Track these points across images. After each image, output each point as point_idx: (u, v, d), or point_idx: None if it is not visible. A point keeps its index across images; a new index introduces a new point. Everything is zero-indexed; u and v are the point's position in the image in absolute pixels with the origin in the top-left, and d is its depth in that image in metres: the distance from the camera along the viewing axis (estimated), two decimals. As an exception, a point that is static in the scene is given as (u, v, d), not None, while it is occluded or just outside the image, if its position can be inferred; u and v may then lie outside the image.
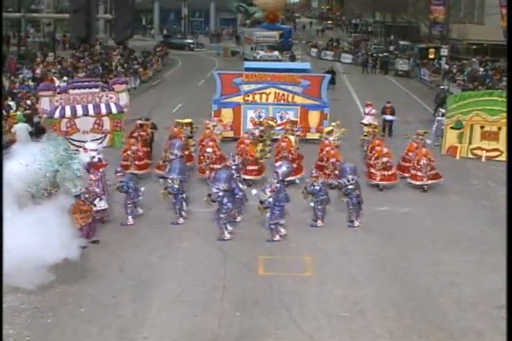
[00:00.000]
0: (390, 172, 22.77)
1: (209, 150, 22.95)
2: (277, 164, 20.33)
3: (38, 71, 40.38)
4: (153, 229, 18.62)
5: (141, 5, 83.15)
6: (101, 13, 70.62)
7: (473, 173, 25.44)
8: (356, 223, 19.33)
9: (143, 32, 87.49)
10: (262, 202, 18.01)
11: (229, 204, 18.10)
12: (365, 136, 26.81)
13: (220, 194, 17.91)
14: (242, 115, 28.94)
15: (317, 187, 19.01)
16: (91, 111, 27.32)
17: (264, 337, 13.11)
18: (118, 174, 19.29)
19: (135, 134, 24.43)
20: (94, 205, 17.55)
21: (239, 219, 19.32)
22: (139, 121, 25.07)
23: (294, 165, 21.38)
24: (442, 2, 64.48)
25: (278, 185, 18.21)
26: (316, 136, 27.98)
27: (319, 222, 19.21)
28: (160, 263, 16.35)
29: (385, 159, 22.56)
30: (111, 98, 28.02)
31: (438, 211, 20.85)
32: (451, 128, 27.77)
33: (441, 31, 64.55)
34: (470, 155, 27.38)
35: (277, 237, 18.03)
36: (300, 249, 17.51)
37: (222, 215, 17.97)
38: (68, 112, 27.01)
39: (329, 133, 24.66)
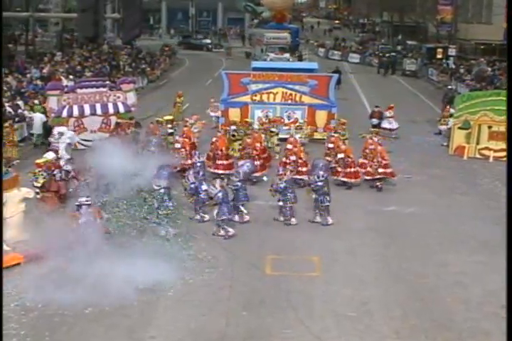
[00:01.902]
0: (352, 170, 22.67)
1: (177, 145, 23.35)
2: (240, 163, 20.71)
3: (45, 70, 40.45)
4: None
5: (148, 4, 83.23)
6: (109, 13, 70.74)
7: (480, 173, 25.38)
8: (330, 220, 19.31)
9: (150, 31, 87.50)
10: (211, 198, 18.08)
11: (168, 202, 17.96)
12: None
13: (161, 191, 17.88)
14: (249, 115, 28.90)
15: (282, 185, 18.95)
16: (98, 111, 27.37)
17: (270, 337, 13.10)
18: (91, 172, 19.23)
19: (114, 133, 24.33)
20: None
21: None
22: (118, 120, 24.96)
23: (258, 163, 22.15)
24: (450, 2, 64.40)
25: (239, 183, 18.70)
26: (324, 135, 27.93)
27: (292, 219, 19.20)
28: (166, 263, 16.31)
29: (339, 156, 22.55)
30: (118, 97, 28.07)
31: (444, 211, 20.82)
32: (459, 128, 27.73)
33: (448, 31, 64.44)
34: (478, 156, 27.34)
35: (222, 232, 18.04)
36: (307, 249, 17.49)
37: (160, 213, 17.86)
38: (76, 111, 27.09)
39: (298, 129, 24.81)
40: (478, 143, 27.43)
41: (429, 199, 21.99)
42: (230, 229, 18.17)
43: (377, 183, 22.77)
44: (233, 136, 24.66)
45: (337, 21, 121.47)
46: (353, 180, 22.69)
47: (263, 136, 24.74)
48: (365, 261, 16.86)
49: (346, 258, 17.03)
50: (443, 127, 30.35)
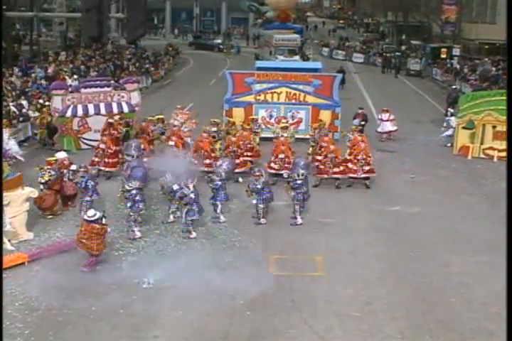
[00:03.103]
0: (340, 169, 22.79)
1: (171, 143, 23.43)
2: (218, 163, 20.93)
3: (50, 70, 40.49)
4: (161, 229, 18.68)
5: (152, 4, 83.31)
6: (113, 13, 70.78)
7: (484, 173, 25.35)
8: (299, 220, 19.32)
9: (154, 31, 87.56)
10: (181, 198, 18.11)
11: (140, 203, 17.92)
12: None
13: (133, 192, 17.84)
14: (253, 114, 28.87)
15: (259, 186, 19.03)
16: (103, 110, 27.39)
17: (274, 336, 13.11)
18: (81, 170, 19.19)
19: (106, 132, 24.35)
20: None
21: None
22: (109, 120, 25.03)
23: (238, 161, 22.64)
24: (454, 2, 64.39)
25: (219, 182, 19.02)
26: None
27: (262, 219, 19.26)
28: (171, 262, 16.35)
29: (330, 155, 22.63)
30: (122, 97, 28.11)
31: (449, 211, 20.80)
32: (463, 128, 27.68)
33: (453, 31, 64.37)
34: (482, 156, 27.30)
35: (194, 235, 18.02)
36: (311, 249, 17.49)
37: (132, 213, 17.87)
38: (80, 111, 27.11)
39: (284, 129, 24.91)
40: (482, 143, 27.40)
41: (433, 199, 21.97)
42: (193, 233, 18.12)
43: (365, 181, 23.00)
44: (213, 137, 24.70)
45: (341, 21, 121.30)
46: (340, 176, 22.87)
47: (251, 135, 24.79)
48: (368, 261, 16.85)
49: (350, 258, 17.03)
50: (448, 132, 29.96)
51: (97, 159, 23.11)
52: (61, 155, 20.62)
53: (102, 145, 23.35)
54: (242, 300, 14.50)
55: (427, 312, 14.18)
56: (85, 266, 15.77)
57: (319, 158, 23.12)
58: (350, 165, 22.86)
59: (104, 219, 16.07)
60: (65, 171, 19.74)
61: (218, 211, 19.34)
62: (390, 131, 30.35)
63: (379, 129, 30.21)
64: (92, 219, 15.73)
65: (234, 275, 15.71)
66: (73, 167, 19.67)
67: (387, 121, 30.11)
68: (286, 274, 15.89)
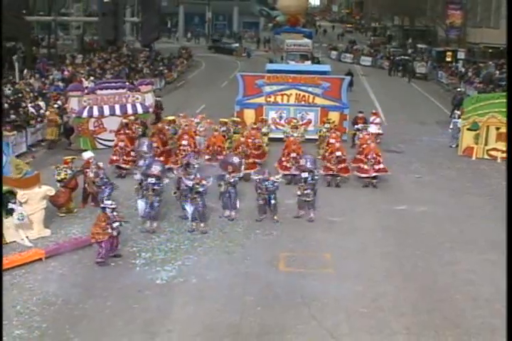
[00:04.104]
0: (343, 166, 22.80)
1: (184, 142, 23.39)
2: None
3: (67, 72, 40.56)
4: (174, 227, 18.65)
5: (166, 8, 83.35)
6: (128, 17, 70.80)
7: (488, 174, 25.25)
8: (309, 215, 19.42)
9: (168, 35, 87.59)
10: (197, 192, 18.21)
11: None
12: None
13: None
14: (264, 115, 28.85)
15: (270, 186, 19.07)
16: (118, 111, 27.41)
17: (284, 332, 13.06)
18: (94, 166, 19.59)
19: (121, 132, 24.44)
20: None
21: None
22: (124, 120, 25.09)
23: (247, 161, 22.48)
24: (459, 7, 64.43)
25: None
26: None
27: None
28: (183, 259, 16.33)
29: (338, 153, 22.61)
30: (137, 98, 28.15)
31: (454, 211, 20.72)
32: (468, 129, 27.63)
33: (458, 35, 64.31)
34: (486, 156, 27.22)
35: (202, 225, 18.23)
36: (320, 247, 17.45)
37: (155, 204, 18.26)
38: (96, 112, 27.14)
39: (294, 128, 24.94)
40: (486, 144, 27.34)
41: (438, 198, 21.89)
42: (202, 224, 18.32)
43: (373, 181, 22.89)
44: (223, 136, 24.73)
45: (349, 25, 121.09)
46: (346, 175, 22.94)
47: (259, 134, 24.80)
48: (376, 258, 16.78)
49: (358, 255, 16.95)
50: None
51: (115, 157, 23.23)
52: (87, 154, 20.61)
53: (121, 144, 23.42)
54: (253, 296, 14.46)
55: (432, 308, 14.10)
56: (97, 259, 15.84)
57: (326, 154, 23.12)
58: (361, 165, 22.83)
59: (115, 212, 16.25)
60: (89, 170, 19.69)
61: (230, 209, 19.32)
62: (373, 134, 29.90)
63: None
64: (111, 207, 16.05)
65: (245, 271, 15.70)
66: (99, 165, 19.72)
67: (371, 123, 29.62)
68: (295, 271, 15.84)
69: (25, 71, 39.02)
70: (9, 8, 31.22)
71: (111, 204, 16.20)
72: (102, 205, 16.46)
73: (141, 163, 20.88)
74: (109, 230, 15.91)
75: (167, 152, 23.94)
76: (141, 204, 18.44)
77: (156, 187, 18.14)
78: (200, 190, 18.03)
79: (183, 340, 12.63)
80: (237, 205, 19.37)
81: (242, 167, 20.56)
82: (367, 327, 13.27)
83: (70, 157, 20.29)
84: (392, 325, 13.37)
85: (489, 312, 14.03)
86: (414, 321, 13.56)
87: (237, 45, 77.28)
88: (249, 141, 23.63)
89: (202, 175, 18.69)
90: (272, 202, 18.98)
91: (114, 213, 16.16)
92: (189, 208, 18.22)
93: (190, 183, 18.15)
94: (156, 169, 18.47)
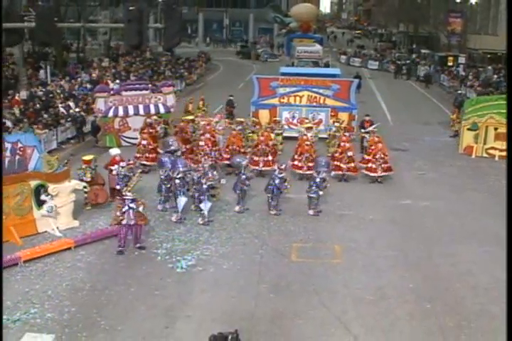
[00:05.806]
0: (352, 165, 22.76)
1: (201, 143, 23.33)
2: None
3: (94, 75, 40.64)
4: (193, 219, 18.60)
5: (187, 15, 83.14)
6: (151, 23, 70.72)
7: (487, 171, 25.10)
8: (311, 212, 19.27)
9: (188, 40, 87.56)
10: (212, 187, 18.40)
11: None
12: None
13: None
14: (277, 116, 28.83)
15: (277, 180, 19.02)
16: (141, 111, 27.46)
17: (295, 317, 13.03)
18: (130, 162, 19.63)
19: (145, 131, 24.36)
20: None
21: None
22: (148, 120, 25.04)
23: (268, 158, 22.76)
24: (460, 15, 64.36)
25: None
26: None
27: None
28: (201, 249, 16.32)
29: (349, 153, 22.60)
30: (159, 99, 28.21)
31: (456, 205, 20.61)
32: (468, 129, 27.53)
33: (459, 41, 64.10)
34: (485, 155, 27.09)
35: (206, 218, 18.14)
36: (330, 238, 17.39)
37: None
38: (121, 112, 27.20)
39: (309, 129, 24.83)
40: (485, 143, 27.19)
41: (441, 194, 21.78)
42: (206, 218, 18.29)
43: (379, 178, 22.87)
44: (240, 134, 24.69)
45: (358, 31, 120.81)
46: (354, 174, 22.90)
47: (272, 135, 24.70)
48: (382, 249, 16.71)
49: (365, 247, 16.89)
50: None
51: (138, 155, 23.22)
52: (114, 151, 20.54)
53: (144, 142, 23.41)
54: (266, 284, 14.45)
55: (434, 296, 14.03)
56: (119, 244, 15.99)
57: (337, 155, 23.03)
58: (370, 164, 22.78)
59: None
60: (115, 167, 19.51)
61: (241, 203, 19.34)
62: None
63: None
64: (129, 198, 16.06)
65: (259, 261, 15.68)
66: (122, 164, 19.36)
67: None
68: (307, 261, 15.81)
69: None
70: (43, 16, 31.42)
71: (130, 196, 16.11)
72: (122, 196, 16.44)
73: (165, 159, 20.00)
74: (125, 220, 15.92)
75: (189, 150, 23.83)
76: (183, 201, 18.21)
77: (201, 181, 18.05)
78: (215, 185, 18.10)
79: (201, 325, 12.61)
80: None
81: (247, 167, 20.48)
82: (373, 314, 13.22)
83: (91, 156, 19.68)
84: (396, 312, 13.33)
85: (487, 299, 13.96)
86: (417, 308, 13.52)
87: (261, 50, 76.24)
88: (269, 142, 23.45)
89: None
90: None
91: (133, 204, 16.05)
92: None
93: (204, 182, 18.08)
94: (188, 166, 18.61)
